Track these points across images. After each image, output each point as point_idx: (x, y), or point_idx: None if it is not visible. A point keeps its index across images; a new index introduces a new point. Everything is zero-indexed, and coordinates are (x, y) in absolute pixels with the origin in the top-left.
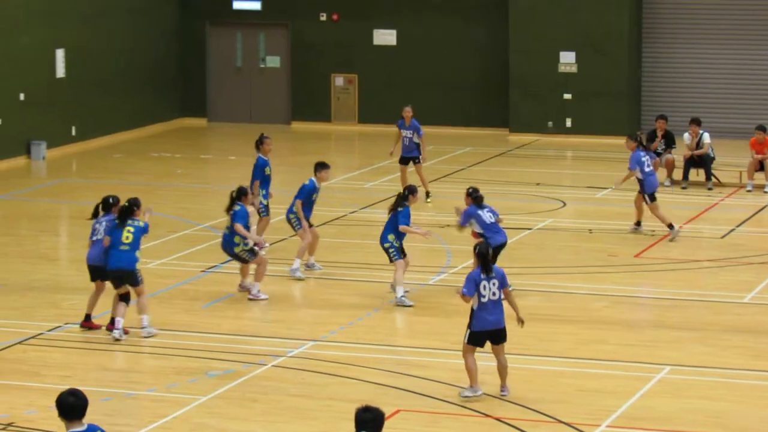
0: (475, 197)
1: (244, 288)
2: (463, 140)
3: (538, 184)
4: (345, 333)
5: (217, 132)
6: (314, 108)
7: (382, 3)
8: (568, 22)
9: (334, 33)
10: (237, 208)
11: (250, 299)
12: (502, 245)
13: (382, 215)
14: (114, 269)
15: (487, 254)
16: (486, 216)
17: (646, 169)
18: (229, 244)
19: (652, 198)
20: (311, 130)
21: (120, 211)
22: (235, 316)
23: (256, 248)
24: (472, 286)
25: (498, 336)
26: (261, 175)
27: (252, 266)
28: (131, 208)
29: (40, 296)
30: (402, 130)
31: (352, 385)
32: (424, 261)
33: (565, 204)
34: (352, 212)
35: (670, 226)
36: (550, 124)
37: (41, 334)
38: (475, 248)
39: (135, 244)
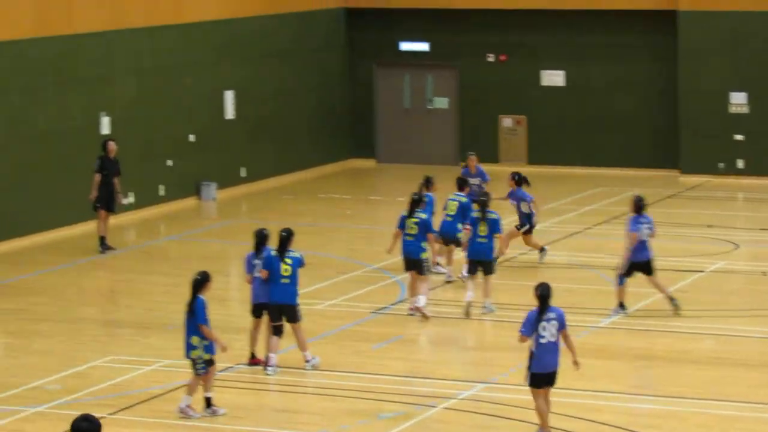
0: (638, 205)
1: (413, 309)
2: (633, 181)
3: (709, 226)
4: (517, 375)
5: (385, 173)
6: (482, 149)
7: (550, 44)
8: (738, 62)
9: (502, 74)
10: (423, 216)
11: (411, 311)
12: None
13: (553, 257)
14: (275, 303)
15: (546, 296)
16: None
17: None
18: (416, 250)
19: None
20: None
21: (279, 243)
22: (405, 358)
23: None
24: (529, 327)
25: (551, 379)
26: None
27: (421, 286)
28: (288, 239)
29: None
30: (469, 179)
31: (523, 429)
32: (595, 303)
33: (738, 246)
34: (522, 254)
35: None
36: (721, 165)
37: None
38: (535, 289)
39: (294, 277)
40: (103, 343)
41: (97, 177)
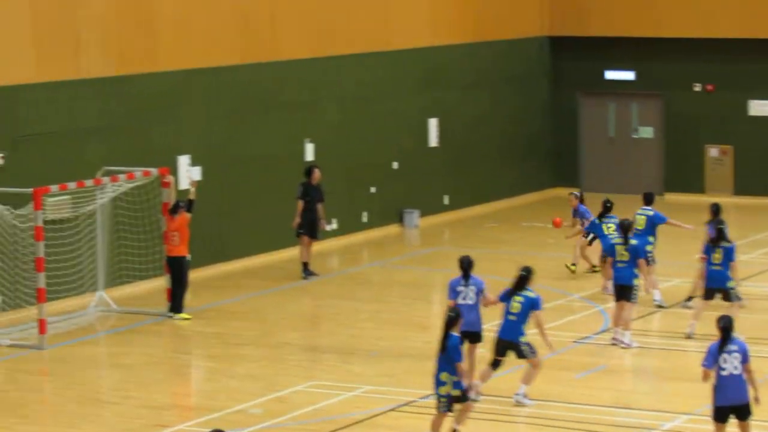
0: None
1: (617, 340)
2: None
3: None
4: None
5: (589, 202)
6: (687, 179)
7: (758, 73)
8: None
9: (709, 103)
10: (634, 242)
11: (614, 340)
12: None
13: (760, 288)
14: (500, 339)
15: (728, 328)
16: None
17: None
18: (629, 276)
19: None
20: (684, 201)
21: (517, 279)
22: (608, 387)
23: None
24: (711, 360)
25: (742, 412)
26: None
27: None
28: (527, 277)
29: (414, 364)
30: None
31: None
32: None
33: None
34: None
35: None
36: None
37: (414, 401)
38: (718, 322)
39: (522, 317)
40: (306, 368)
41: (300, 204)
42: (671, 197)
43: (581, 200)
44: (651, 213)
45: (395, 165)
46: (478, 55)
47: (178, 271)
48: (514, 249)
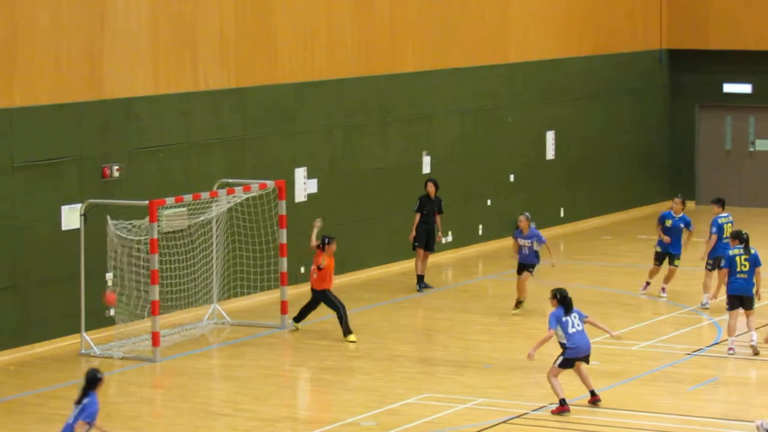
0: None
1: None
2: None
3: None
4: None
5: (705, 215)
6: None
7: None
8: None
9: None
10: (752, 251)
11: (730, 351)
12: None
13: None
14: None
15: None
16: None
17: None
18: (749, 286)
19: None
20: None
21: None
22: (720, 400)
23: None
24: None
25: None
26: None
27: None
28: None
29: (526, 376)
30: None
31: None
32: None
33: None
34: None
35: None
36: None
37: (526, 413)
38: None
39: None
40: (418, 381)
41: (417, 216)
42: None
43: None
44: (731, 218)
45: (512, 177)
46: (595, 67)
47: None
48: (629, 262)
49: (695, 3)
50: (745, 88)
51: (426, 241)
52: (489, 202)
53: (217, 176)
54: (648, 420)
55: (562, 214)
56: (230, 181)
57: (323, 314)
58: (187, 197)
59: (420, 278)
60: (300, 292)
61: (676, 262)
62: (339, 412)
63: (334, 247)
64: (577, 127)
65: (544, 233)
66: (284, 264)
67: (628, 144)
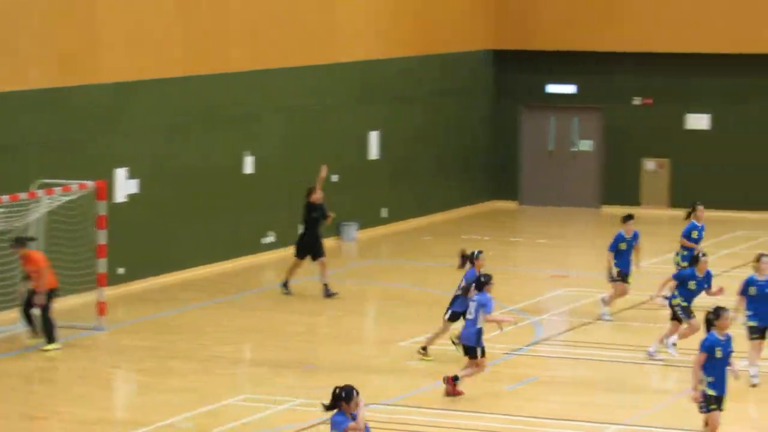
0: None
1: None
2: None
3: None
4: (649, 417)
5: (527, 215)
6: (624, 192)
7: (696, 87)
8: None
9: (647, 117)
10: None
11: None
12: None
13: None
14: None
15: None
16: None
17: None
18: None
19: None
20: (620, 213)
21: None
22: (540, 399)
23: None
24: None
25: None
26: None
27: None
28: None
29: (347, 377)
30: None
31: None
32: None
33: None
34: (657, 296)
35: None
36: None
37: None
38: None
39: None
40: (238, 382)
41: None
42: (608, 209)
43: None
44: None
45: (335, 178)
46: (420, 68)
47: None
48: (450, 261)
49: (521, 4)
50: (570, 89)
51: (310, 249)
52: None
53: (36, 177)
54: (468, 419)
55: (384, 215)
56: (49, 181)
57: (146, 314)
58: (5, 198)
59: (285, 283)
60: (118, 294)
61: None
62: (156, 414)
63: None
64: (401, 127)
65: (367, 233)
66: (103, 265)
67: (451, 144)
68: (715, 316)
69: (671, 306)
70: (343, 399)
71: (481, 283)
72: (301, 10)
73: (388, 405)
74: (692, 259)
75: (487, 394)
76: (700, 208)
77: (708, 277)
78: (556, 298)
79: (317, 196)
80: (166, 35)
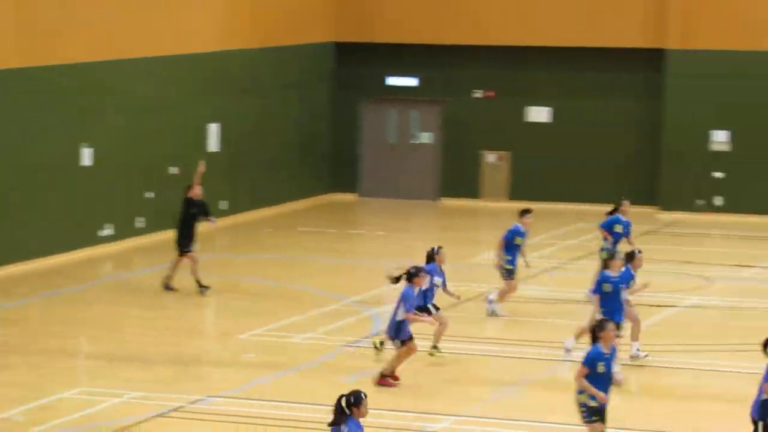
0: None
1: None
2: None
3: (688, 262)
4: (491, 407)
5: (367, 207)
6: (464, 184)
7: (537, 80)
8: (721, 102)
9: (488, 110)
10: None
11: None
12: None
13: (530, 290)
14: None
15: None
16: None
17: None
18: None
19: None
20: (460, 206)
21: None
22: (379, 390)
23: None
24: None
25: None
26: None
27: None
28: (411, 275)
29: (184, 370)
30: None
31: None
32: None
33: (711, 281)
34: (497, 288)
35: None
36: (699, 202)
37: (182, 407)
38: None
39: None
40: (73, 375)
41: (181, 220)
42: (447, 202)
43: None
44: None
45: (174, 170)
46: (260, 60)
47: None
48: (289, 254)
49: None
50: (410, 82)
51: (186, 243)
52: (150, 195)
53: None
54: (306, 411)
55: (224, 207)
56: None
57: None
58: None
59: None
60: None
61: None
62: None
63: None
64: (240, 120)
65: (205, 226)
66: None
67: (291, 137)
68: (599, 329)
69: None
70: (353, 404)
71: (411, 275)
72: (141, 1)
73: (226, 398)
74: (628, 256)
75: (326, 386)
76: (626, 203)
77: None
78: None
79: (196, 191)
80: (0, 25)
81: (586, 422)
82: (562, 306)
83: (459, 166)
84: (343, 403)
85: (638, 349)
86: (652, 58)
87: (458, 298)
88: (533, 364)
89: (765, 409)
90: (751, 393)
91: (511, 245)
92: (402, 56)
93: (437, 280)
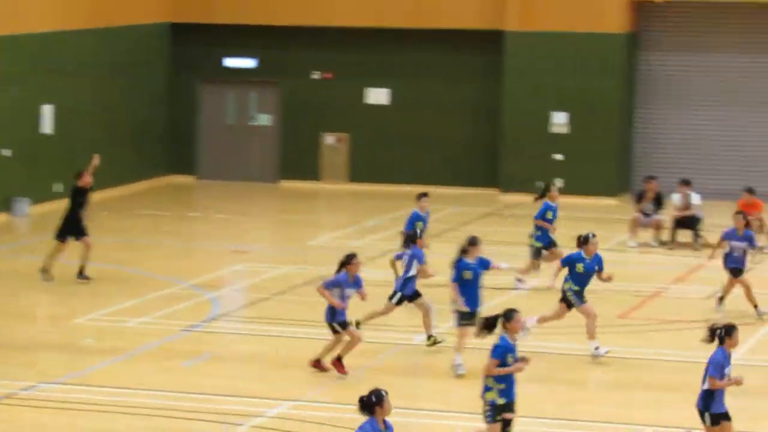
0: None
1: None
2: (454, 200)
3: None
4: (330, 392)
5: (205, 190)
6: (304, 166)
7: (376, 62)
8: (560, 84)
9: (327, 91)
10: None
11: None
12: None
13: (370, 274)
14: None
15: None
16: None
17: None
18: None
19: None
20: (300, 188)
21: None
22: (215, 375)
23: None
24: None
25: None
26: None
27: None
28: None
29: (17, 355)
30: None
31: None
32: (410, 320)
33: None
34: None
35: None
36: (540, 184)
37: (14, 393)
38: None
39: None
40: None
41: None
42: (287, 184)
43: (412, 241)
44: None
45: (6, 152)
46: (95, 40)
47: None
48: (127, 237)
49: None
50: (248, 63)
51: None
52: None
53: None
54: (142, 397)
55: (59, 189)
56: None
57: None
58: None
59: (43, 270)
60: None
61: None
62: None
63: None
64: (75, 101)
65: (39, 209)
66: None
67: (127, 118)
68: (506, 319)
69: (563, 291)
70: (375, 404)
71: (341, 263)
72: None
73: (61, 384)
74: (581, 239)
75: (162, 371)
76: (554, 188)
77: (598, 259)
78: (236, 273)
79: (86, 180)
80: None
81: (489, 422)
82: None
83: (298, 148)
84: (366, 402)
85: (597, 348)
86: (491, 40)
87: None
88: (374, 348)
89: (708, 400)
90: (590, 376)
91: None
92: (239, 37)
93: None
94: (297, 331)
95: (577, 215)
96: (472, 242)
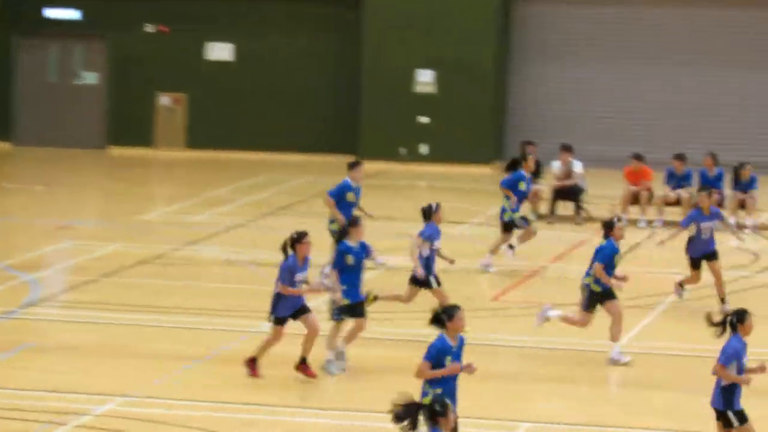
0: None
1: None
2: (306, 168)
3: (390, 218)
4: (162, 387)
5: (23, 157)
6: (136, 131)
7: (218, 14)
8: (427, 40)
9: (161, 46)
10: None
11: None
12: None
13: (213, 252)
14: None
15: None
16: None
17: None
18: None
19: None
20: (131, 155)
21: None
22: (36, 368)
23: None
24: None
25: None
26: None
27: None
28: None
29: None
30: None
31: None
32: (251, 305)
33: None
34: (176, 249)
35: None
36: (403, 150)
37: None
38: None
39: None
40: None
41: None
42: (117, 151)
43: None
44: None
45: None
46: None
47: None
48: None
49: None
50: (74, 14)
51: None
52: None
53: None
54: None
55: None
56: None
57: None
58: None
59: None
60: None
61: None
62: None
63: None
64: None
65: None
66: None
67: None
68: (447, 317)
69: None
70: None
71: (290, 243)
72: None
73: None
74: (607, 225)
75: None
76: (531, 158)
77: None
78: (58, 252)
79: None
80: None
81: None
82: (243, 269)
83: (129, 111)
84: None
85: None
86: None
87: (452, 262)
88: (217, 336)
89: (727, 396)
90: None
91: (343, 202)
92: None
93: (437, 243)
94: (128, 317)
95: (444, 185)
96: (354, 222)
